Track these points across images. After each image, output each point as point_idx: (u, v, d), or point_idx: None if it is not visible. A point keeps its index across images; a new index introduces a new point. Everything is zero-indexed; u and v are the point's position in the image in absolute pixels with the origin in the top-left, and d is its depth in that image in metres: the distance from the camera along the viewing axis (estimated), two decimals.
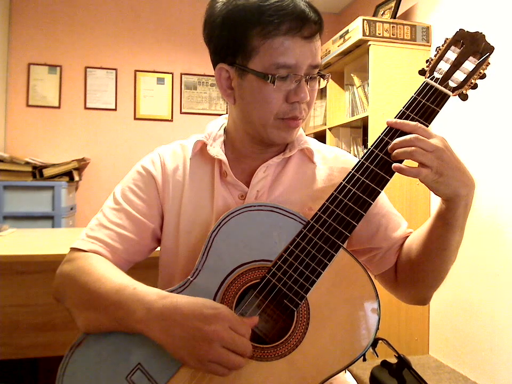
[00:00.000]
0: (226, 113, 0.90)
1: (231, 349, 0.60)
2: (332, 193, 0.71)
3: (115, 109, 3.39)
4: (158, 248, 0.86)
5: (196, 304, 0.63)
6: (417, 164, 0.65)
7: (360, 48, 2.56)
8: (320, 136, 3.11)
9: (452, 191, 0.66)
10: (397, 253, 0.84)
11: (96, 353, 0.67)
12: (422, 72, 0.75)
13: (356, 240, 0.83)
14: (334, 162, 0.87)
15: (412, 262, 0.79)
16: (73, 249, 0.79)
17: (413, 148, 0.64)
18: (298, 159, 0.86)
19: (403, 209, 2.38)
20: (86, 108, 3.34)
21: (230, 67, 0.76)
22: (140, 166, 0.86)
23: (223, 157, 0.81)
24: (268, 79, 0.71)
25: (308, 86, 0.75)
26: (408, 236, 0.84)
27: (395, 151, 0.67)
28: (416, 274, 0.78)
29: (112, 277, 0.70)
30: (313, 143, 0.89)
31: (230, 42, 0.74)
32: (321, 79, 0.78)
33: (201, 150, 0.85)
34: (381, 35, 2.45)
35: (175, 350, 0.62)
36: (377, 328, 0.66)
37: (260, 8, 0.70)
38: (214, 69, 0.79)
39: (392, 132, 0.71)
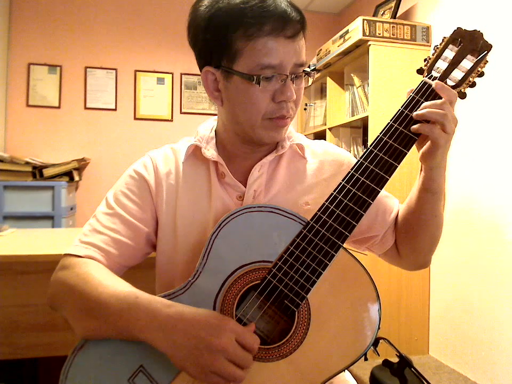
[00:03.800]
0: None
1: (233, 362, 0.61)
2: (332, 193, 0.71)
3: (115, 109, 3.39)
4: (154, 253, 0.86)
5: (201, 314, 0.63)
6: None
7: (360, 48, 2.56)
8: (320, 136, 3.11)
9: (443, 159, 0.72)
10: (394, 231, 0.88)
11: (98, 356, 0.67)
12: (420, 71, 0.76)
13: (356, 231, 0.83)
14: (324, 156, 0.88)
15: (411, 236, 0.84)
16: (67, 255, 0.77)
17: (445, 112, 0.68)
18: (290, 155, 0.87)
19: None
20: (86, 108, 3.34)
21: (216, 70, 0.76)
22: (132, 170, 0.85)
23: (219, 159, 0.81)
24: (253, 80, 0.71)
25: (294, 85, 0.75)
26: (397, 214, 0.89)
27: (427, 109, 0.69)
28: (416, 243, 0.84)
29: (111, 284, 0.69)
30: (302, 139, 0.89)
31: (214, 45, 0.74)
32: (309, 78, 0.79)
33: (193, 153, 0.85)
34: (381, 35, 2.45)
35: (178, 359, 0.62)
36: (379, 328, 0.66)
37: (242, 11, 0.70)
38: (201, 71, 0.80)
39: (391, 131, 0.71)
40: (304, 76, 0.78)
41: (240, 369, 0.61)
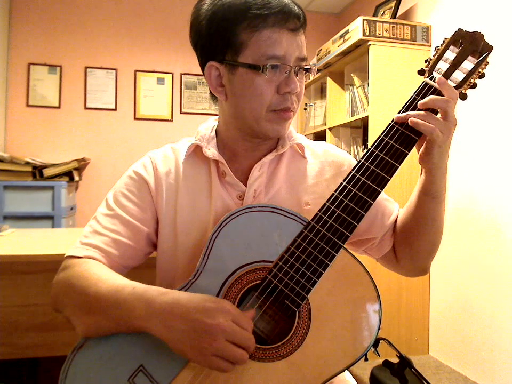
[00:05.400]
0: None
1: (234, 342, 0.61)
2: (332, 194, 0.71)
3: (115, 109, 3.39)
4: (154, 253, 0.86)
5: (197, 298, 0.64)
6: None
7: (360, 48, 2.56)
8: (320, 136, 3.11)
9: (441, 160, 0.71)
10: (392, 235, 0.87)
11: (98, 356, 0.67)
12: (421, 72, 0.76)
13: (355, 232, 0.83)
14: (324, 156, 0.89)
15: (409, 240, 0.83)
16: (68, 257, 0.78)
17: (448, 99, 0.69)
18: (290, 155, 0.87)
19: None
20: (86, 108, 3.34)
21: (220, 64, 0.77)
22: (131, 171, 0.86)
23: (220, 158, 0.81)
24: (259, 69, 0.72)
25: (297, 78, 0.76)
26: (396, 218, 0.88)
27: (430, 97, 0.69)
28: (414, 248, 0.83)
29: (109, 279, 0.70)
30: (302, 139, 0.90)
31: (218, 39, 0.75)
32: (309, 74, 0.80)
33: (194, 152, 0.86)
34: (381, 35, 2.45)
35: (177, 345, 0.62)
36: (379, 328, 0.66)
37: (246, 4, 0.72)
38: (203, 69, 0.80)
39: (392, 132, 0.71)
40: (305, 73, 0.79)
41: (242, 349, 0.61)
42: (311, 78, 0.74)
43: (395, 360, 1.00)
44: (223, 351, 0.60)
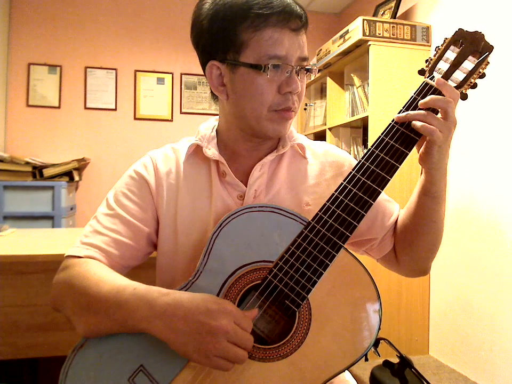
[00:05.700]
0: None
1: (234, 343, 0.61)
2: (333, 194, 0.71)
3: (115, 109, 3.39)
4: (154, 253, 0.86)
5: (199, 299, 0.64)
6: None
7: (360, 48, 2.56)
8: (320, 136, 3.11)
9: (440, 160, 0.71)
10: (393, 236, 0.88)
11: (98, 356, 0.67)
12: (421, 72, 0.76)
13: (355, 232, 0.83)
14: (325, 156, 0.89)
15: (408, 241, 0.84)
16: (69, 257, 0.78)
17: (449, 100, 0.69)
18: (290, 155, 0.87)
19: None
20: (86, 108, 3.34)
21: (221, 64, 0.77)
22: (132, 170, 0.86)
23: (221, 158, 0.81)
24: (260, 68, 0.72)
25: (298, 78, 0.76)
26: (397, 218, 0.88)
27: (431, 96, 0.69)
28: (414, 249, 0.83)
29: (110, 279, 0.70)
30: (303, 139, 0.90)
31: (220, 38, 0.75)
32: (311, 74, 0.80)
33: (194, 152, 0.85)
34: (381, 35, 2.45)
35: (180, 346, 0.62)
36: (379, 328, 0.66)
37: (248, 3, 0.72)
38: (204, 69, 0.80)
39: (392, 132, 0.71)
40: (306, 73, 0.79)
41: (242, 349, 0.61)
42: (312, 78, 0.73)
43: (395, 360, 1.00)
44: (224, 352, 0.60)
